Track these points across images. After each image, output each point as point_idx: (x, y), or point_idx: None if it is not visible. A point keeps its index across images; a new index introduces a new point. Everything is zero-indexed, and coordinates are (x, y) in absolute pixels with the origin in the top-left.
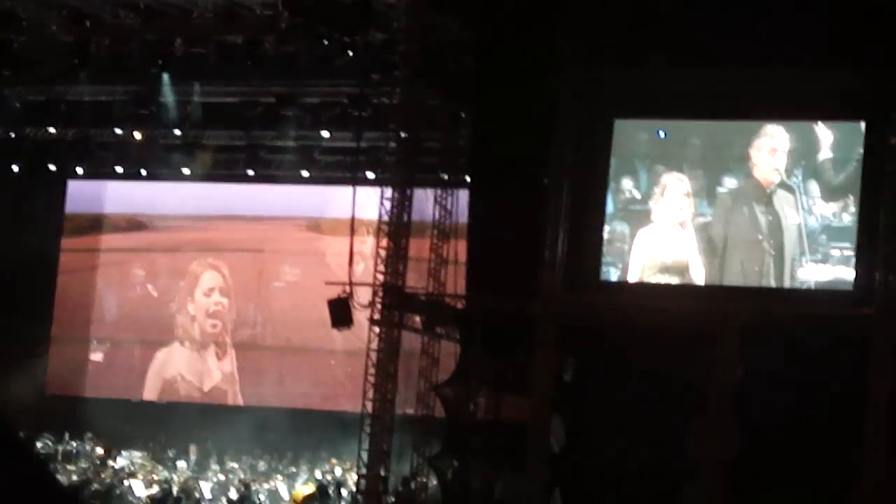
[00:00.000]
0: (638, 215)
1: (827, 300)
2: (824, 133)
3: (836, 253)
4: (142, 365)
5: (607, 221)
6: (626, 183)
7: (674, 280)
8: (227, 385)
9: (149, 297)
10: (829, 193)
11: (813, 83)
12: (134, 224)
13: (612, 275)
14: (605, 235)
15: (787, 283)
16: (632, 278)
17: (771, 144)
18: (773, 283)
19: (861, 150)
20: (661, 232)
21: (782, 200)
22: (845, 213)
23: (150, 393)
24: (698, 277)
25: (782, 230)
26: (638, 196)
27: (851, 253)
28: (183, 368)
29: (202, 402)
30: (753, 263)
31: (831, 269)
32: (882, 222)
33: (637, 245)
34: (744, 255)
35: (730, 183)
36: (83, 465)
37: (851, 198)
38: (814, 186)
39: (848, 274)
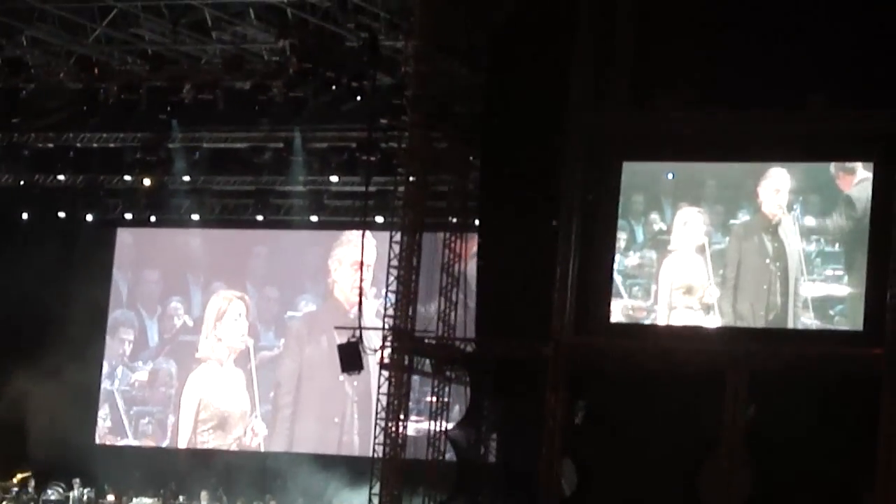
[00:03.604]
0: (664, 243)
1: (837, 340)
2: (817, 175)
3: (829, 273)
4: (179, 384)
5: (638, 249)
6: (654, 217)
7: (695, 297)
8: (248, 396)
9: (185, 327)
10: (820, 225)
11: (820, 126)
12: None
13: (641, 294)
14: (637, 261)
15: (791, 298)
16: (661, 298)
17: (775, 185)
18: (779, 300)
19: (846, 193)
20: (683, 257)
21: (786, 230)
22: (835, 241)
23: (186, 406)
24: (715, 296)
25: (786, 254)
26: (664, 228)
27: (842, 272)
28: (213, 382)
29: (224, 419)
30: (762, 283)
31: (825, 286)
32: (891, 263)
33: (664, 269)
34: (754, 275)
35: (742, 216)
36: None
37: (839, 228)
38: (810, 219)
39: (838, 290)
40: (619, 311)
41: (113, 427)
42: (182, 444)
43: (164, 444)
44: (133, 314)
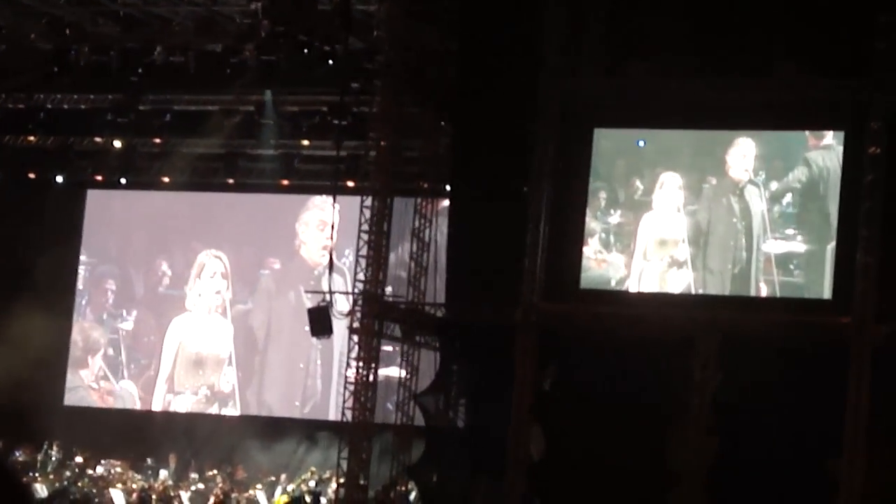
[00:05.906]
0: (642, 204)
1: (806, 309)
2: (780, 142)
3: (789, 232)
4: (161, 335)
5: (618, 208)
6: (634, 180)
7: (669, 252)
8: (224, 344)
9: (166, 282)
10: (782, 188)
11: (792, 94)
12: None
13: (621, 249)
14: (618, 219)
15: (754, 254)
16: (637, 251)
17: (742, 152)
18: (744, 255)
19: (805, 156)
20: (660, 215)
21: (751, 193)
22: (794, 202)
23: (168, 349)
24: (688, 253)
25: (751, 215)
26: (643, 190)
27: (798, 231)
28: (191, 329)
29: (200, 359)
30: (729, 239)
31: (785, 243)
32: (860, 233)
33: (642, 226)
34: (722, 233)
35: (711, 180)
36: (65, 473)
37: (798, 191)
38: (772, 183)
39: (796, 248)
40: (605, 264)
41: (104, 375)
42: (161, 384)
43: (149, 390)
44: (118, 270)
